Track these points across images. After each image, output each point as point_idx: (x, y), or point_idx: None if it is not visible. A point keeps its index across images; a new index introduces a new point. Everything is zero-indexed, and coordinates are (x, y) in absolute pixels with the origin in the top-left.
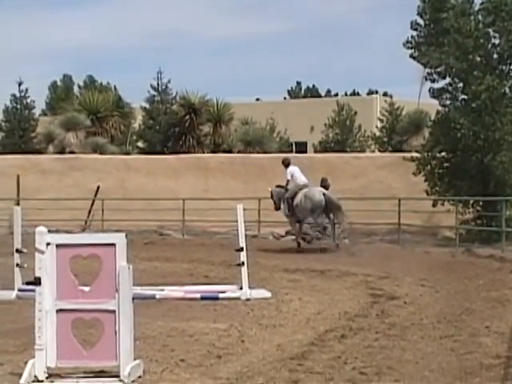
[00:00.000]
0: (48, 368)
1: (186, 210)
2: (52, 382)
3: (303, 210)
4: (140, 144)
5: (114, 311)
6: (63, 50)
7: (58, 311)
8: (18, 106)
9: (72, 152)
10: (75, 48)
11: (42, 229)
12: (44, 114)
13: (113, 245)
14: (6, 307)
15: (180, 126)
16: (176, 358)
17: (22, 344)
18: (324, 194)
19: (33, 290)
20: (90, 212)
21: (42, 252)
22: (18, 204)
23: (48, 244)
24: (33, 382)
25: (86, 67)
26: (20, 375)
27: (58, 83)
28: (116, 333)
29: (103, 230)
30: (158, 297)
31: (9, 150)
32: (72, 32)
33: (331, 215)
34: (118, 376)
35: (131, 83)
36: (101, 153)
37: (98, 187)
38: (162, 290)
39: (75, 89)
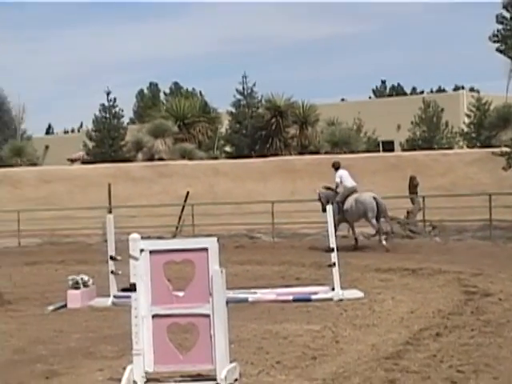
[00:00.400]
0: (146, 373)
1: (274, 212)
2: None
3: (353, 213)
4: (227, 148)
5: (208, 315)
6: (149, 59)
7: (154, 316)
8: (107, 116)
9: (161, 159)
10: (160, 56)
11: (135, 236)
12: (132, 122)
13: (205, 249)
14: (102, 314)
15: (266, 129)
16: (271, 360)
17: (119, 350)
18: (375, 198)
19: (128, 297)
20: (180, 218)
21: (136, 258)
22: (110, 212)
23: (142, 250)
24: None
25: (171, 74)
26: (119, 380)
27: (145, 91)
28: (211, 336)
29: (194, 235)
30: (250, 300)
31: (99, 159)
32: (156, 41)
33: (381, 218)
34: (214, 379)
35: (217, 88)
36: (189, 158)
37: (188, 193)
38: (255, 293)
39: (161, 96)
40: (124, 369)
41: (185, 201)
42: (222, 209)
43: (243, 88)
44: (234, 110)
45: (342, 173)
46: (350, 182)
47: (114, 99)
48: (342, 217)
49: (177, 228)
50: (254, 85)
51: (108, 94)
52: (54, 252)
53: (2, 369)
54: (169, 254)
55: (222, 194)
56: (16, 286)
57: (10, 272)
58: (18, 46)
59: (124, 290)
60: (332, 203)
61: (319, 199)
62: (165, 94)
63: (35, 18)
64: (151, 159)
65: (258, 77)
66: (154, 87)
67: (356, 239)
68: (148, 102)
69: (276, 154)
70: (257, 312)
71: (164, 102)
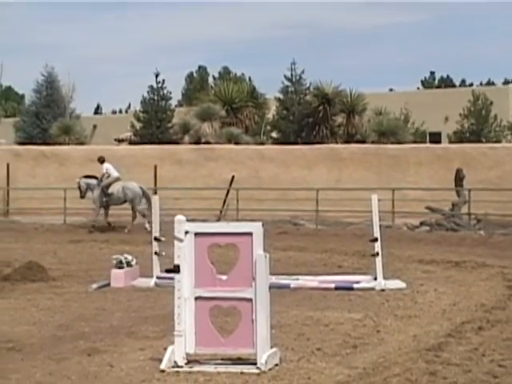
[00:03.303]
0: (187, 354)
1: (319, 200)
2: (191, 367)
3: (119, 198)
4: (274, 134)
5: (250, 299)
6: (199, 42)
7: (197, 299)
8: (155, 97)
9: (207, 142)
10: (210, 40)
11: (180, 217)
12: (180, 104)
13: (250, 234)
14: (145, 294)
15: (314, 117)
16: (312, 346)
17: (161, 330)
18: (141, 188)
19: (170, 278)
20: (224, 202)
21: (181, 240)
22: (155, 193)
23: (186, 232)
24: (172, 367)
25: (221, 59)
26: (160, 360)
27: (194, 74)
28: (253, 321)
29: (238, 219)
30: (292, 286)
31: (146, 140)
32: (207, 24)
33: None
34: (255, 363)
35: (265, 74)
36: (235, 143)
37: (233, 177)
38: (297, 279)
39: (210, 80)
40: (165, 349)
41: (230, 185)
42: (267, 194)
43: (291, 74)
44: (281, 97)
45: (108, 165)
46: (114, 172)
47: (163, 81)
48: (106, 200)
49: (221, 212)
50: (303, 72)
51: (157, 75)
52: (98, 231)
53: (45, 344)
54: (213, 237)
55: (267, 180)
56: (61, 262)
57: (55, 249)
58: (70, 25)
59: (168, 271)
60: (92, 190)
61: (78, 187)
62: (214, 77)
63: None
64: (198, 142)
65: (306, 64)
66: (203, 71)
67: (109, 223)
68: (197, 85)
69: (322, 142)
70: (298, 298)
71: (212, 85)
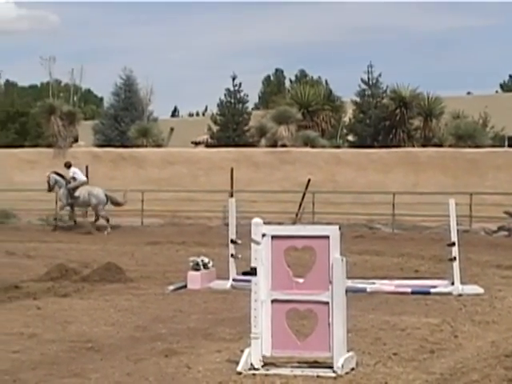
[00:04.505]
0: (263, 357)
1: (395, 204)
2: (267, 370)
3: (84, 202)
4: (350, 137)
5: (327, 303)
6: (276, 46)
7: (273, 301)
8: (232, 100)
9: (283, 145)
10: (287, 43)
11: (257, 220)
12: (256, 107)
13: (327, 237)
14: (221, 296)
15: (390, 120)
16: (388, 351)
17: (237, 332)
18: (106, 194)
19: (246, 280)
20: (300, 205)
21: (258, 243)
22: (231, 196)
23: (263, 235)
24: (249, 369)
25: (297, 62)
26: (236, 363)
27: (271, 78)
28: (329, 324)
29: (314, 222)
30: (368, 290)
31: (223, 142)
32: (283, 28)
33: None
34: (331, 367)
35: (342, 77)
36: (312, 146)
37: (309, 180)
38: (373, 283)
39: (287, 83)
40: (242, 351)
41: (306, 188)
42: (343, 198)
43: (368, 78)
44: (358, 100)
45: (75, 169)
46: (81, 177)
47: (240, 84)
48: (71, 201)
49: (297, 215)
50: (380, 75)
51: (234, 78)
52: (175, 233)
53: (123, 345)
54: (290, 240)
55: (343, 183)
56: (138, 264)
57: (132, 250)
58: (148, 28)
59: (244, 273)
60: (60, 187)
61: (48, 181)
62: (290, 81)
63: (167, 3)
64: (274, 145)
65: (383, 67)
66: (279, 74)
67: (75, 221)
68: (273, 88)
69: (399, 146)
70: (375, 302)
71: (289, 88)
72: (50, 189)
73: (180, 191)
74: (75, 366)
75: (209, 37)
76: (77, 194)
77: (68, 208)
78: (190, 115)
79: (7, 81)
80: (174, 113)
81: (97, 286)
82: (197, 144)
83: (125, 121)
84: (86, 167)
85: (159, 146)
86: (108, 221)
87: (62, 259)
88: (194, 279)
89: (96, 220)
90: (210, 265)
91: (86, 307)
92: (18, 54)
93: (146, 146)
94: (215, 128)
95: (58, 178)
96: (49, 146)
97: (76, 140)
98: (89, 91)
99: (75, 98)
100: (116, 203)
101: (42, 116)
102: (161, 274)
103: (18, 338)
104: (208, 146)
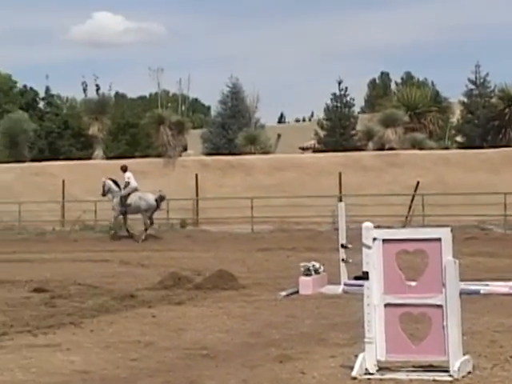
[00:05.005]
0: (378, 361)
1: (507, 204)
2: (382, 375)
3: (136, 208)
4: (458, 138)
5: (441, 306)
6: (380, 49)
7: (386, 305)
8: (338, 105)
9: (391, 148)
10: (392, 46)
11: (368, 224)
12: (363, 111)
13: (438, 239)
14: (333, 301)
15: (499, 120)
16: (505, 354)
17: (351, 337)
18: (156, 199)
19: (358, 285)
20: (410, 208)
21: (369, 247)
22: (340, 200)
23: (374, 239)
24: (364, 374)
25: (402, 64)
26: (351, 368)
27: (377, 81)
28: (444, 328)
29: (424, 225)
30: (482, 292)
31: (331, 147)
32: (387, 31)
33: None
34: (447, 371)
35: (449, 78)
36: (419, 148)
37: (418, 183)
38: (487, 285)
39: (393, 86)
40: (356, 356)
41: (415, 191)
42: (453, 199)
43: (476, 77)
44: (465, 100)
45: (129, 174)
46: (133, 183)
47: (346, 88)
48: (124, 209)
49: (406, 218)
50: (487, 74)
51: (340, 83)
52: (285, 239)
53: (238, 351)
54: (401, 244)
55: (452, 185)
56: (249, 271)
57: (243, 257)
58: (251, 35)
59: (356, 278)
60: (113, 195)
61: (103, 186)
62: (396, 83)
63: (271, 10)
64: (381, 148)
65: (491, 66)
66: (385, 76)
67: (127, 230)
68: (379, 91)
69: (509, 145)
70: (489, 305)
71: (395, 91)
72: (104, 193)
73: (288, 197)
74: (191, 373)
75: (313, 41)
76: (128, 201)
77: (121, 217)
78: (297, 121)
79: (117, 93)
80: (281, 119)
81: (210, 294)
82: (304, 149)
83: (232, 128)
84: (196, 176)
85: (267, 152)
86: (146, 230)
87: (174, 267)
88: (306, 284)
89: (151, 223)
90: (321, 270)
91: (199, 314)
92: (126, 66)
93: (254, 153)
94: (322, 133)
95: (112, 185)
96: (159, 155)
97: (185, 149)
98: (196, 100)
99: (183, 108)
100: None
101: (151, 126)
102: (272, 280)
103: (135, 347)
104: (315, 151)
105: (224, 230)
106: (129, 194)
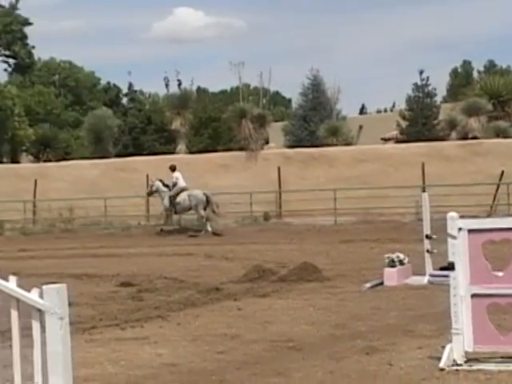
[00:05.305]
0: (466, 352)
1: None
2: (470, 366)
3: (185, 206)
4: None
5: None
6: (462, 38)
7: (473, 296)
8: (420, 95)
9: (474, 137)
10: (474, 34)
11: (453, 214)
12: (445, 100)
13: None
14: (418, 292)
15: None
16: None
17: (437, 328)
18: (205, 194)
19: (444, 276)
20: (495, 197)
21: (455, 237)
22: (423, 191)
23: (460, 229)
24: (452, 365)
25: (485, 52)
26: (438, 359)
27: (458, 70)
28: None
29: (509, 214)
30: None
31: (413, 138)
32: (470, 19)
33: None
34: None
35: None
36: (503, 137)
37: (503, 172)
38: None
39: (475, 74)
40: (443, 348)
41: (500, 180)
42: None
43: None
44: None
45: (178, 175)
46: (181, 183)
47: (427, 78)
48: (174, 208)
49: (491, 207)
50: None
51: (421, 72)
52: (368, 230)
53: (324, 343)
54: (487, 234)
55: None
56: (333, 263)
57: (327, 249)
58: (331, 27)
59: (442, 268)
60: (162, 197)
61: (151, 186)
62: (478, 72)
63: (351, 1)
64: (465, 138)
65: None
66: (467, 65)
67: (175, 228)
68: (462, 80)
69: None
70: None
71: (478, 79)
72: (150, 193)
73: (371, 188)
74: (278, 365)
75: (393, 32)
76: (178, 199)
77: (166, 214)
78: (378, 112)
79: (198, 87)
80: (362, 110)
81: (294, 286)
82: (386, 140)
83: (314, 120)
84: (278, 168)
85: (349, 144)
86: (207, 220)
87: (258, 260)
88: (391, 276)
89: (207, 220)
90: (405, 261)
91: (285, 307)
92: (207, 61)
93: (336, 145)
94: (404, 123)
95: (161, 186)
96: (241, 149)
97: (267, 142)
98: (277, 93)
99: (264, 101)
100: (213, 210)
101: (233, 120)
102: (356, 271)
103: (221, 339)
104: (398, 141)
105: (307, 223)
106: (177, 194)
